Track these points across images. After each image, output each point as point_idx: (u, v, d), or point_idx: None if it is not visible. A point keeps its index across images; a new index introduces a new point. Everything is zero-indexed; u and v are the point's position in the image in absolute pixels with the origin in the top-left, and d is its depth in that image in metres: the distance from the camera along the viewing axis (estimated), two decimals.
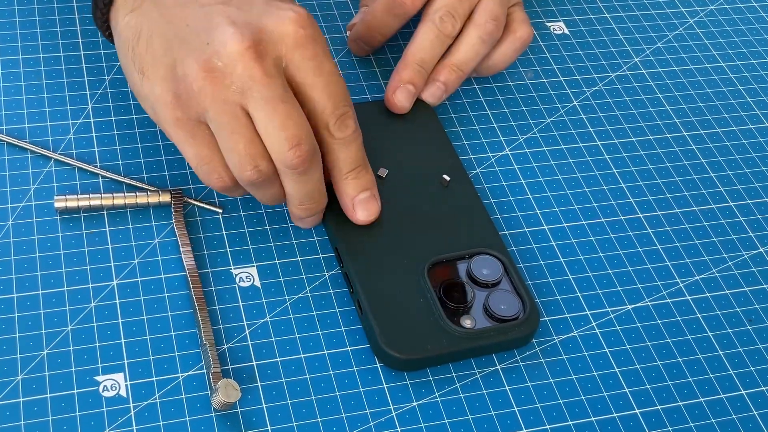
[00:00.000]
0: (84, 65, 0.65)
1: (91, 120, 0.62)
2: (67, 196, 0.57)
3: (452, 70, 0.64)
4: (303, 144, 0.51)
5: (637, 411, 0.53)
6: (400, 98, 0.63)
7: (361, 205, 0.56)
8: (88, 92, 0.64)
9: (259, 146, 0.52)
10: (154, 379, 0.51)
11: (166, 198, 0.58)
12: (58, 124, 0.62)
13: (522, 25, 0.66)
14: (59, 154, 0.60)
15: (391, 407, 0.52)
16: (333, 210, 0.57)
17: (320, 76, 0.53)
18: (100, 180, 0.59)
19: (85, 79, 0.64)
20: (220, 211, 0.58)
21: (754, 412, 0.54)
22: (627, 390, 0.54)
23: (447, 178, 0.60)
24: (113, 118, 0.62)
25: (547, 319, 0.57)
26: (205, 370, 0.52)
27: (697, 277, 0.60)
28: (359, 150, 0.55)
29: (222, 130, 0.52)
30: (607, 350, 0.56)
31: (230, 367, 0.52)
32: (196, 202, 0.59)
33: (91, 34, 0.67)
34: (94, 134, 0.61)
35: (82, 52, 0.66)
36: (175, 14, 0.53)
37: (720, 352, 0.57)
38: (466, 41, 0.64)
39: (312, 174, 0.53)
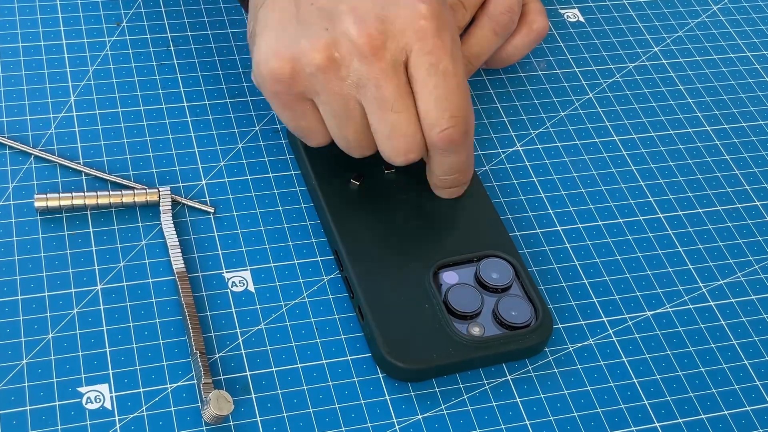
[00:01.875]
0: (66, 55, 0.65)
1: (74, 114, 0.62)
2: (48, 195, 0.57)
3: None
4: (411, 155, 0.54)
5: (657, 424, 0.53)
6: None
7: (448, 192, 0.59)
8: (70, 84, 0.64)
9: (370, 138, 0.55)
10: (141, 390, 0.51)
11: (153, 197, 0.58)
12: (39, 117, 0.62)
13: (538, 16, 0.66)
14: (39, 149, 0.60)
15: (394, 421, 0.52)
16: (333, 210, 0.57)
17: (433, 75, 0.53)
18: (83, 178, 0.59)
19: (68, 70, 0.64)
20: (212, 210, 0.58)
21: None
22: (646, 402, 0.54)
23: None
24: (97, 112, 0.62)
25: (560, 326, 0.57)
26: (195, 381, 0.52)
27: (721, 282, 0.60)
28: (459, 161, 0.56)
29: (333, 117, 0.54)
30: (624, 359, 0.56)
31: (222, 377, 0.52)
32: (186, 201, 0.59)
33: (74, 22, 0.67)
34: (77, 129, 0.61)
35: (63, 41, 0.66)
36: None
37: (746, 362, 0.56)
38: (478, 33, 0.64)
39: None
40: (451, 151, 0.55)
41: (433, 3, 0.53)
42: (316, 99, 0.54)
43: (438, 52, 0.53)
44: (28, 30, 0.66)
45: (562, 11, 0.74)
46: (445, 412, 0.53)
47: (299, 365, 0.53)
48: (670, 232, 0.62)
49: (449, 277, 0.56)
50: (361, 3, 0.52)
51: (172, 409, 0.51)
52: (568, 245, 0.60)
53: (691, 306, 0.59)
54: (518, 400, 0.54)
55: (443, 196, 0.59)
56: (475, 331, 0.54)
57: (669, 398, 0.55)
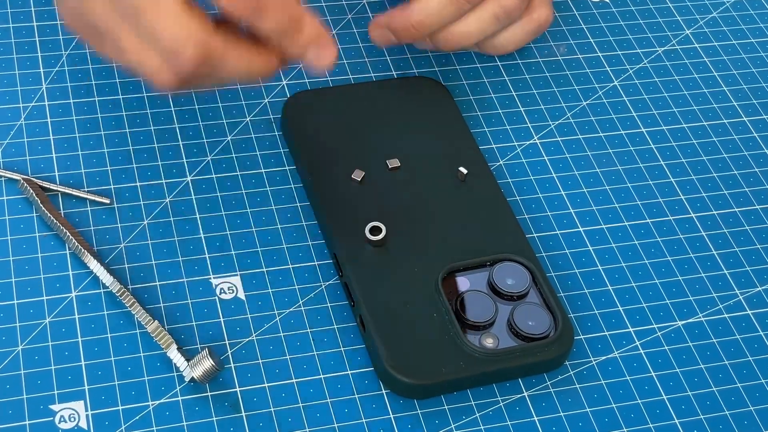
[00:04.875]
0: (37, 38, 0.65)
1: (46, 103, 0.62)
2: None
3: (446, 39, 0.64)
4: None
5: None
6: (376, 37, 0.66)
7: (310, 58, 0.54)
8: (42, 71, 0.64)
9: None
10: (120, 408, 0.51)
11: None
12: (7, 107, 0.62)
13: (541, 5, 0.66)
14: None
15: None
16: (331, 209, 0.57)
17: None
18: (56, 174, 0.59)
19: (39, 54, 0.64)
20: (107, 201, 0.58)
21: None
22: (677, 421, 0.54)
23: (464, 170, 0.60)
24: (71, 101, 0.62)
25: (582, 337, 0.57)
26: (164, 351, 0.52)
27: (760, 288, 0.60)
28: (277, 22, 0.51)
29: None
30: (653, 374, 0.56)
31: (209, 393, 0.52)
32: (78, 193, 0.58)
33: (46, 2, 0.67)
34: (48, 120, 0.61)
35: (35, 23, 0.66)
36: None
37: None
38: (478, 13, 0.64)
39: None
40: (253, 18, 0.50)
41: None
42: None
43: None
44: None
45: None
46: None
47: (294, 380, 0.53)
48: (704, 233, 0.62)
49: (460, 283, 0.56)
50: None
51: (154, 428, 0.51)
52: (590, 248, 0.60)
53: (726, 315, 0.58)
54: (536, 418, 0.53)
55: (313, 68, 0.53)
56: (489, 342, 0.54)
57: (702, 417, 0.54)
